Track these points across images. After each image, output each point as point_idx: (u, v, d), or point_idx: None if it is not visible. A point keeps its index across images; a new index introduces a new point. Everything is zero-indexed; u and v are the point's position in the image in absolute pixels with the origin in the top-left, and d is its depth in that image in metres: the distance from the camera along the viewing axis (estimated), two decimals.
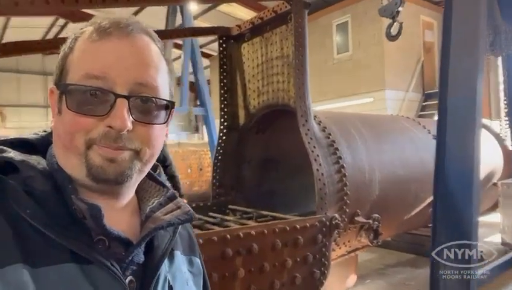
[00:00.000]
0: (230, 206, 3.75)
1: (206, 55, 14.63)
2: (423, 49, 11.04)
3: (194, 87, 8.46)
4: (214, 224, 3.22)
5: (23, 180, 0.55)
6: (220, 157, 3.73)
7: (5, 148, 0.60)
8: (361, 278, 4.12)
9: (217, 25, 3.74)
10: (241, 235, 2.20)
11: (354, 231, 3.12)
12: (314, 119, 3.05)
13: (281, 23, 3.24)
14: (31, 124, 17.63)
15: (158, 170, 0.76)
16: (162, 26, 8.06)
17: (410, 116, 6.02)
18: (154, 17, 8.80)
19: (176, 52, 9.20)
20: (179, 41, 8.80)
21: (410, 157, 3.65)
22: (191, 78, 8.80)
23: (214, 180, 3.75)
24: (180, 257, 0.72)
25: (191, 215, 0.69)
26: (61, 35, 13.62)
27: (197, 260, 0.78)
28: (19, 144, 0.62)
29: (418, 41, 10.85)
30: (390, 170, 3.37)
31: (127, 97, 0.58)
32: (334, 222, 2.67)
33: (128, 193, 0.66)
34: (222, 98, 3.66)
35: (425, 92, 10.99)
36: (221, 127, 3.68)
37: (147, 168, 0.66)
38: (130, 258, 0.60)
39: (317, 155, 2.75)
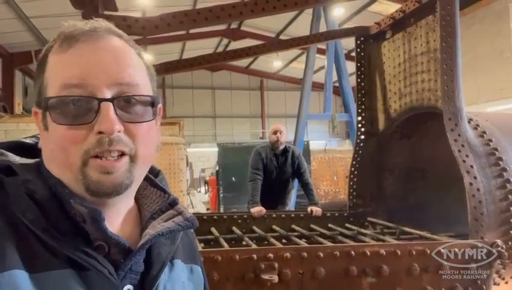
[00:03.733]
0: (369, 219, 3.47)
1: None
2: None
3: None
4: (347, 237, 3.03)
5: (22, 183, 0.56)
6: (357, 165, 3.49)
7: (2, 151, 0.61)
8: None
9: None
10: (368, 253, 1.98)
11: None
12: (470, 122, 2.54)
13: (426, 14, 2.84)
14: (202, 132, 20.43)
15: (160, 176, 0.73)
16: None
17: None
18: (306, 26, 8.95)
19: (320, 57, 9.17)
20: (323, 46, 8.75)
21: None
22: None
23: (351, 190, 3.53)
24: (180, 265, 0.69)
25: (193, 222, 0.65)
26: None
27: (198, 269, 0.74)
28: (16, 148, 0.63)
29: None
30: None
31: (110, 100, 0.56)
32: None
33: (127, 201, 0.64)
34: (359, 102, 3.43)
35: None
36: (359, 133, 3.45)
37: (145, 172, 0.64)
38: (129, 267, 0.58)
39: (471, 166, 2.27)
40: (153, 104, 0.61)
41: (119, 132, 0.56)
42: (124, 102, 0.58)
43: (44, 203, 0.55)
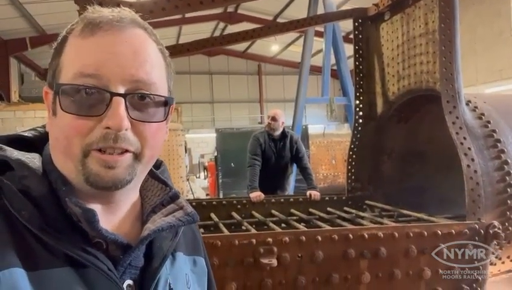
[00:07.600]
0: (367, 202, 3.49)
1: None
2: None
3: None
4: (346, 220, 3.05)
5: (19, 179, 0.55)
6: (355, 149, 3.49)
7: (1, 145, 0.59)
8: None
9: None
10: (366, 236, 2.00)
11: None
12: (468, 104, 2.53)
13: None
14: (200, 117, 20.36)
15: (162, 167, 0.72)
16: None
17: None
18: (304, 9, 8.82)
19: (318, 40, 9.06)
20: (321, 29, 8.64)
21: None
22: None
23: (349, 173, 3.54)
24: (182, 258, 0.69)
25: (193, 217, 0.65)
26: None
27: (201, 260, 0.75)
28: (16, 141, 0.62)
29: None
30: None
31: (123, 95, 0.55)
32: (491, 231, 2.17)
33: (129, 196, 0.63)
34: (357, 86, 3.41)
35: None
36: (357, 116, 3.43)
37: (147, 169, 0.63)
38: (128, 262, 0.57)
39: (469, 148, 2.27)
40: (166, 104, 0.60)
41: (126, 129, 0.55)
42: (137, 99, 0.57)
43: (40, 201, 0.54)
